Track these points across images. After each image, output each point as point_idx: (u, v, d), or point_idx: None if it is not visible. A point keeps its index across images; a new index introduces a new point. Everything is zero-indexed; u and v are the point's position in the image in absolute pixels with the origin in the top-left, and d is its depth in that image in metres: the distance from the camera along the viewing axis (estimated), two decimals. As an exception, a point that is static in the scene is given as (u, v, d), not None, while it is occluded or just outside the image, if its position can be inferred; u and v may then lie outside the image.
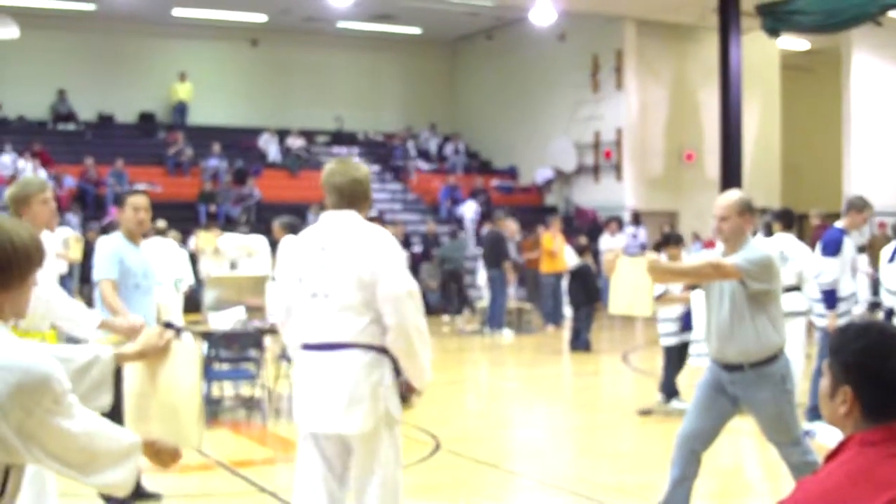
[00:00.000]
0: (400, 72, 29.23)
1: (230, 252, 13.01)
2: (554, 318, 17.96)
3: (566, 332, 16.19)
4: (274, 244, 12.62)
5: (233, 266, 13.26)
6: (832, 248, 8.53)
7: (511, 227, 18.61)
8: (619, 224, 22.36)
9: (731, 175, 21.18)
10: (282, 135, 26.30)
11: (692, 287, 5.78)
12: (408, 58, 29.13)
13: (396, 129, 28.25)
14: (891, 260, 8.81)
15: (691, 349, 9.57)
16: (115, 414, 3.00)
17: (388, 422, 4.43)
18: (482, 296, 18.69)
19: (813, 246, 9.37)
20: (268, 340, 9.81)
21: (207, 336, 9.23)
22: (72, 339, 6.23)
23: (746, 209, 5.35)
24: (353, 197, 4.54)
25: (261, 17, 26.15)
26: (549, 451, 8.84)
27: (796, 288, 8.70)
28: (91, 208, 21.66)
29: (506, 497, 7.24)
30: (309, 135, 26.82)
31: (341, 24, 26.50)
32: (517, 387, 12.87)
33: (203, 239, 14.12)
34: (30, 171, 21.15)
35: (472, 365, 14.98)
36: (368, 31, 27.43)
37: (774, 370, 5.29)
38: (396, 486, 4.48)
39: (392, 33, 27.89)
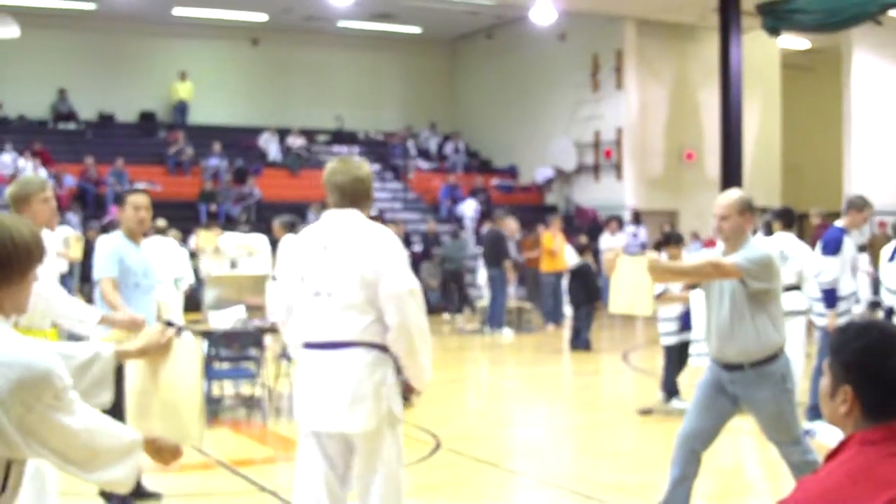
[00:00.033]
0: (400, 71, 29.23)
1: (230, 251, 13.01)
2: (554, 317, 17.97)
3: (566, 332, 16.19)
4: (274, 243, 12.66)
5: (233, 265, 13.25)
6: (832, 248, 8.53)
7: (511, 227, 18.61)
8: (620, 223, 22.36)
9: (731, 174, 21.18)
10: (282, 134, 26.30)
11: (692, 286, 5.78)
12: (408, 57, 29.12)
13: (397, 128, 28.25)
14: (891, 259, 8.81)
15: (691, 349, 9.56)
16: (116, 411, 3.00)
17: (391, 421, 4.43)
18: (482, 295, 18.69)
19: (813, 245, 9.37)
20: (268, 339, 9.82)
21: (208, 335, 9.23)
22: (73, 337, 6.24)
23: (747, 208, 5.35)
24: (354, 195, 4.54)
25: (261, 17, 26.15)
26: (549, 450, 8.84)
27: (796, 287, 8.70)
28: (91, 207, 21.66)
29: (506, 496, 7.24)
30: (309, 134, 26.82)
31: (342, 24, 26.50)
32: (517, 386, 12.88)
33: (204, 238, 14.12)
34: (30, 170, 21.15)
35: (472, 364, 14.99)
36: (369, 31, 27.44)
37: (774, 369, 5.29)
38: (399, 484, 4.48)
39: (392, 32, 27.89)
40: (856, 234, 9.08)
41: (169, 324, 8.57)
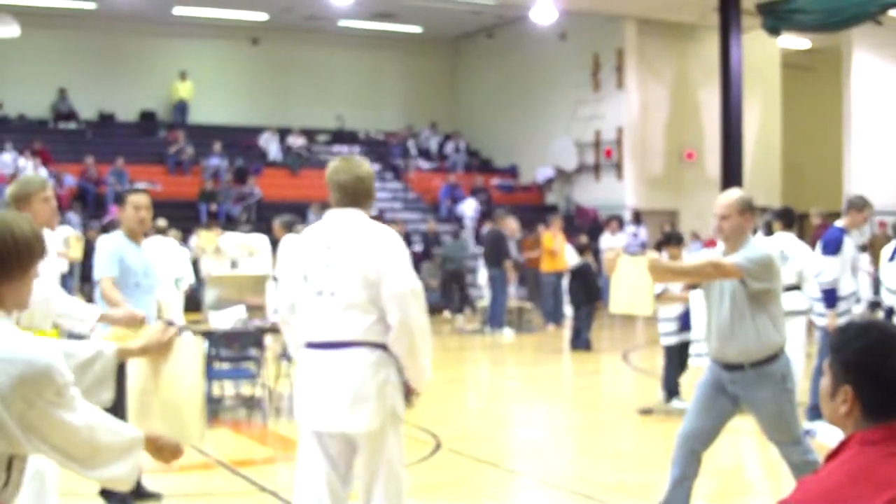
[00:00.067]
0: (401, 70, 29.23)
1: (231, 251, 13.01)
2: (554, 317, 17.96)
3: (567, 332, 16.19)
4: (274, 243, 12.66)
5: (233, 265, 13.26)
6: (832, 247, 8.52)
7: (512, 226, 18.61)
8: (620, 223, 22.36)
9: (731, 174, 21.18)
10: (282, 133, 26.30)
11: (692, 286, 5.78)
12: (409, 56, 29.12)
13: (397, 127, 28.25)
14: (891, 259, 8.80)
15: (690, 349, 9.56)
16: (118, 410, 3.00)
17: (394, 420, 4.45)
18: (483, 295, 18.69)
19: (813, 245, 9.37)
20: (268, 339, 9.81)
21: (208, 335, 9.22)
22: (73, 336, 6.23)
23: (747, 208, 5.35)
24: (356, 194, 4.54)
25: (262, 16, 26.15)
26: (549, 450, 8.84)
27: (796, 287, 8.70)
28: (91, 207, 21.67)
29: (506, 496, 7.24)
30: (310, 133, 26.83)
31: (342, 23, 26.50)
32: (518, 386, 12.88)
33: (204, 238, 14.12)
34: (30, 169, 21.14)
35: (472, 364, 14.99)
36: (369, 30, 27.44)
37: (775, 369, 5.29)
38: (400, 483, 4.50)
39: (393, 32, 27.89)
40: (856, 234, 9.08)
41: (169, 324, 8.56)
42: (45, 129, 24.72)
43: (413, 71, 29.32)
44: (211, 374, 9.26)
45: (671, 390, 9.82)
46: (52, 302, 5.21)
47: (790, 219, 9.24)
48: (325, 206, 4.66)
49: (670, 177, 24.81)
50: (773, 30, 21.50)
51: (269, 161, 25.68)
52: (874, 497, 2.21)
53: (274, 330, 9.44)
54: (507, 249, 17.71)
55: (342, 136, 27.57)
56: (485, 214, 23.26)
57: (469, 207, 24.32)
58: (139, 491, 6.46)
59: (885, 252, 8.98)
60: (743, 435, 8.24)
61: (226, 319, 9.45)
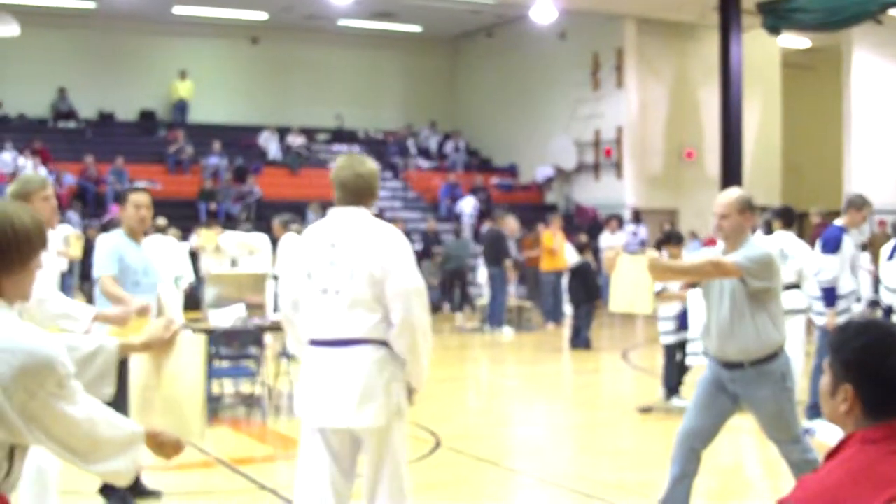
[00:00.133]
0: (400, 69, 29.23)
1: (231, 250, 13.01)
2: (554, 315, 17.97)
3: (566, 330, 16.19)
4: (274, 242, 12.68)
5: (233, 264, 13.26)
6: (832, 246, 8.52)
7: (511, 225, 18.61)
8: (620, 222, 22.37)
9: (731, 173, 21.18)
10: (282, 132, 26.29)
11: (691, 285, 5.78)
12: (408, 56, 29.12)
13: (397, 126, 28.25)
14: (890, 258, 8.81)
15: (687, 348, 9.57)
16: (120, 405, 3.00)
17: (399, 417, 4.49)
18: (482, 294, 18.69)
19: (813, 244, 9.37)
20: (268, 338, 9.81)
21: (208, 333, 9.22)
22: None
23: (747, 207, 5.35)
24: (356, 191, 4.55)
25: (261, 15, 26.15)
26: (549, 449, 8.84)
27: (796, 286, 8.70)
28: (91, 206, 21.67)
29: (506, 495, 7.24)
30: (309, 133, 26.83)
31: (342, 22, 26.50)
32: (517, 384, 12.88)
33: (204, 237, 14.13)
34: (30, 168, 21.15)
35: (472, 363, 14.99)
36: (369, 29, 27.43)
37: (774, 368, 5.29)
38: (404, 480, 4.53)
39: (393, 31, 27.89)
40: (855, 233, 9.07)
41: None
42: (45, 129, 24.73)
43: (413, 70, 29.31)
44: (210, 373, 9.26)
45: (671, 388, 9.82)
46: (48, 303, 5.22)
47: (790, 218, 9.25)
48: (324, 204, 4.69)
49: (670, 176, 24.81)
50: (774, 29, 21.49)
51: (269, 160, 25.68)
52: (874, 495, 2.21)
53: (273, 328, 9.45)
54: (507, 248, 17.71)
55: (342, 136, 27.57)
56: (484, 213, 23.26)
57: (468, 205, 24.32)
58: (139, 489, 6.46)
59: (885, 251, 8.98)
60: (743, 433, 8.25)
61: (225, 318, 9.45)
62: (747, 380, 5.30)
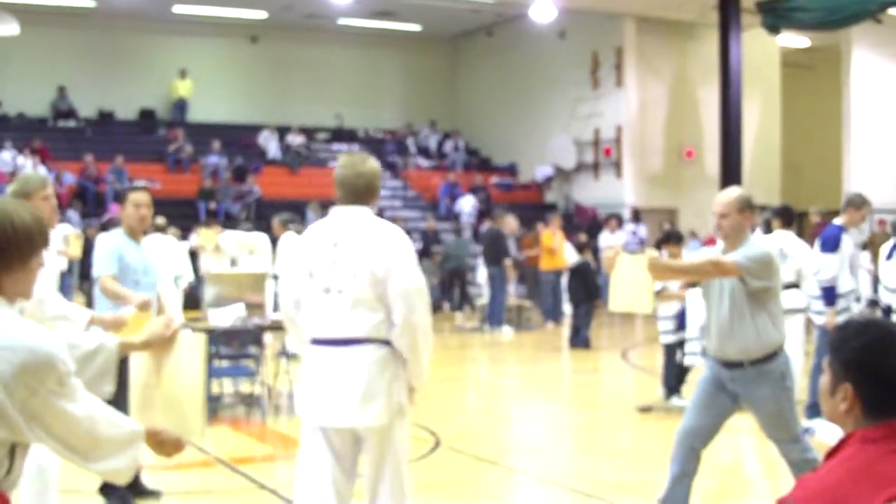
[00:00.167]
0: (400, 69, 29.23)
1: (231, 249, 13.01)
2: (553, 315, 17.97)
3: (566, 330, 16.19)
4: (273, 241, 12.68)
5: (233, 263, 13.26)
6: (831, 245, 8.52)
7: (511, 225, 18.61)
8: (619, 221, 22.36)
9: (730, 172, 21.18)
10: (282, 132, 26.29)
11: (691, 285, 5.79)
12: (408, 55, 29.12)
13: (396, 125, 28.25)
14: (889, 257, 8.81)
15: (685, 347, 9.57)
16: (120, 403, 3.00)
17: (401, 416, 4.49)
18: (482, 293, 18.69)
19: (812, 243, 9.37)
20: (268, 337, 9.80)
21: (207, 333, 9.21)
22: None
23: (746, 206, 5.35)
24: (358, 191, 4.55)
25: (261, 14, 26.15)
26: (548, 448, 8.84)
27: (795, 285, 8.71)
28: (91, 205, 21.66)
29: (506, 494, 7.24)
30: (309, 132, 26.82)
31: (342, 21, 26.50)
32: (517, 384, 12.88)
33: (204, 236, 14.13)
34: (29, 167, 21.15)
35: (471, 362, 14.99)
36: (369, 28, 27.43)
37: (774, 367, 5.29)
38: (405, 478, 4.55)
39: (392, 30, 27.88)
40: (855, 232, 9.07)
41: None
42: (45, 128, 24.72)
43: (412, 69, 29.31)
44: (210, 372, 9.26)
45: (670, 388, 9.83)
46: (45, 304, 5.22)
47: (789, 217, 9.25)
48: (323, 204, 4.69)
49: (669, 175, 24.81)
50: (773, 28, 21.49)
51: (269, 159, 25.67)
52: (874, 495, 2.21)
53: (273, 327, 9.45)
54: (507, 248, 17.71)
55: (341, 135, 27.57)
56: (483, 212, 23.26)
57: (467, 204, 24.32)
58: (138, 488, 6.46)
59: (884, 250, 8.98)
60: (742, 433, 8.25)
61: (225, 317, 9.45)
62: (747, 379, 5.30)
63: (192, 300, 13.98)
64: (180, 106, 26.54)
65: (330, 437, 4.50)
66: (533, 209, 24.22)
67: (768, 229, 9.69)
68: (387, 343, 4.42)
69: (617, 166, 24.75)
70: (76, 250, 15.33)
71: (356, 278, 4.38)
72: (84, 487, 6.28)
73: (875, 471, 2.25)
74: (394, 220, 19.14)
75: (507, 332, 17.18)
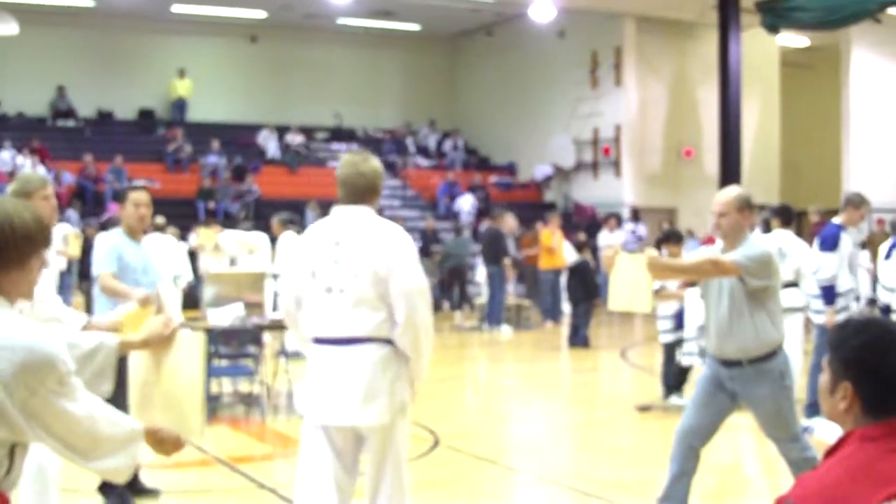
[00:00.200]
0: (399, 68, 29.23)
1: (230, 249, 13.01)
2: (553, 314, 17.97)
3: (565, 329, 16.20)
4: (273, 240, 12.68)
5: (232, 262, 13.26)
6: (830, 244, 8.53)
7: (510, 224, 18.61)
8: (618, 220, 22.35)
9: (730, 171, 21.19)
10: (281, 131, 26.29)
11: (690, 284, 5.79)
12: (407, 54, 29.12)
13: (395, 125, 28.25)
14: (888, 256, 8.81)
15: (683, 347, 9.57)
16: (119, 402, 3.00)
17: (402, 415, 4.51)
18: (481, 292, 18.69)
19: (811, 242, 9.37)
20: (267, 337, 9.80)
21: (206, 332, 9.21)
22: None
23: (745, 205, 5.36)
24: (360, 190, 4.55)
25: (260, 14, 26.14)
26: (547, 448, 8.84)
27: (794, 284, 8.71)
28: (90, 205, 21.65)
29: (505, 493, 7.24)
30: (308, 131, 26.82)
31: (341, 21, 26.49)
32: (516, 383, 12.88)
33: (203, 235, 14.12)
34: (28, 167, 21.15)
35: (470, 361, 14.99)
36: (368, 28, 27.43)
37: (773, 366, 5.30)
38: (405, 476, 4.56)
39: (392, 30, 27.88)
40: (854, 231, 9.07)
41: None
42: (44, 127, 24.72)
43: (412, 69, 29.31)
44: (209, 372, 9.25)
45: (669, 387, 9.83)
46: (43, 305, 5.22)
47: (788, 216, 9.26)
48: (323, 203, 4.69)
49: (669, 174, 24.81)
50: (772, 28, 21.50)
51: (268, 159, 25.67)
52: (873, 493, 2.21)
53: (272, 327, 9.45)
54: (506, 247, 17.71)
55: (340, 134, 27.57)
56: (483, 212, 23.26)
57: (466, 204, 24.32)
58: (137, 487, 6.46)
59: (883, 249, 8.98)
60: (741, 431, 8.25)
61: (224, 317, 9.45)
62: (746, 378, 5.31)
63: (192, 299, 13.98)
64: (179, 105, 26.53)
65: (331, 436, 4.51)
66: (532, 208, 24.22)
67: (767, 228, 9.70)
68: (389, 342, 4.42)
69: (616, 165, 24.75)
70: (75, 250, 15.33)
71: (358, 277, 4.38)
72: (84, 486, 6.28)
73: (874, 469, 2.25)
74: (393, 219, 19.06)
75: (506, 331, 17.18)
